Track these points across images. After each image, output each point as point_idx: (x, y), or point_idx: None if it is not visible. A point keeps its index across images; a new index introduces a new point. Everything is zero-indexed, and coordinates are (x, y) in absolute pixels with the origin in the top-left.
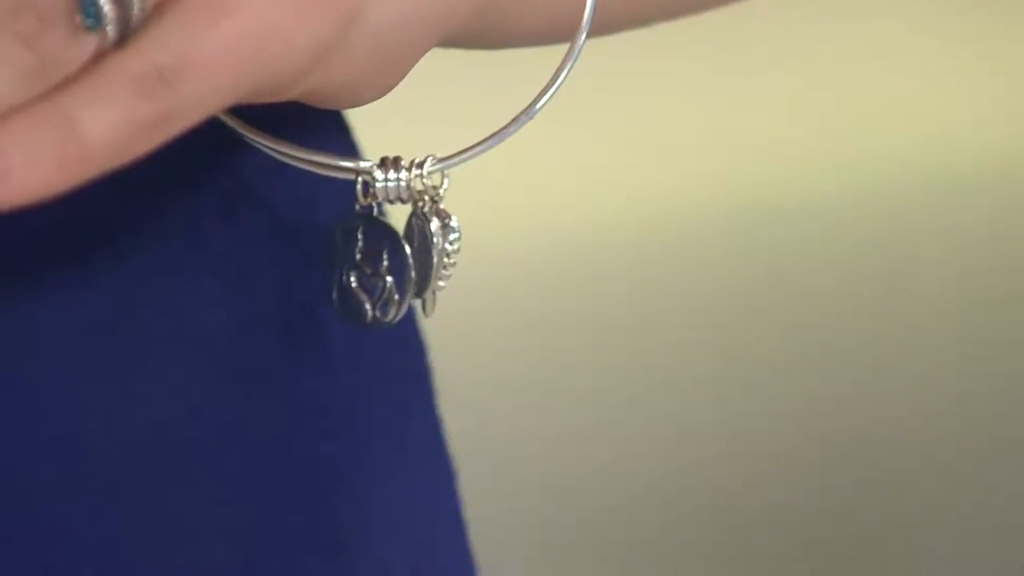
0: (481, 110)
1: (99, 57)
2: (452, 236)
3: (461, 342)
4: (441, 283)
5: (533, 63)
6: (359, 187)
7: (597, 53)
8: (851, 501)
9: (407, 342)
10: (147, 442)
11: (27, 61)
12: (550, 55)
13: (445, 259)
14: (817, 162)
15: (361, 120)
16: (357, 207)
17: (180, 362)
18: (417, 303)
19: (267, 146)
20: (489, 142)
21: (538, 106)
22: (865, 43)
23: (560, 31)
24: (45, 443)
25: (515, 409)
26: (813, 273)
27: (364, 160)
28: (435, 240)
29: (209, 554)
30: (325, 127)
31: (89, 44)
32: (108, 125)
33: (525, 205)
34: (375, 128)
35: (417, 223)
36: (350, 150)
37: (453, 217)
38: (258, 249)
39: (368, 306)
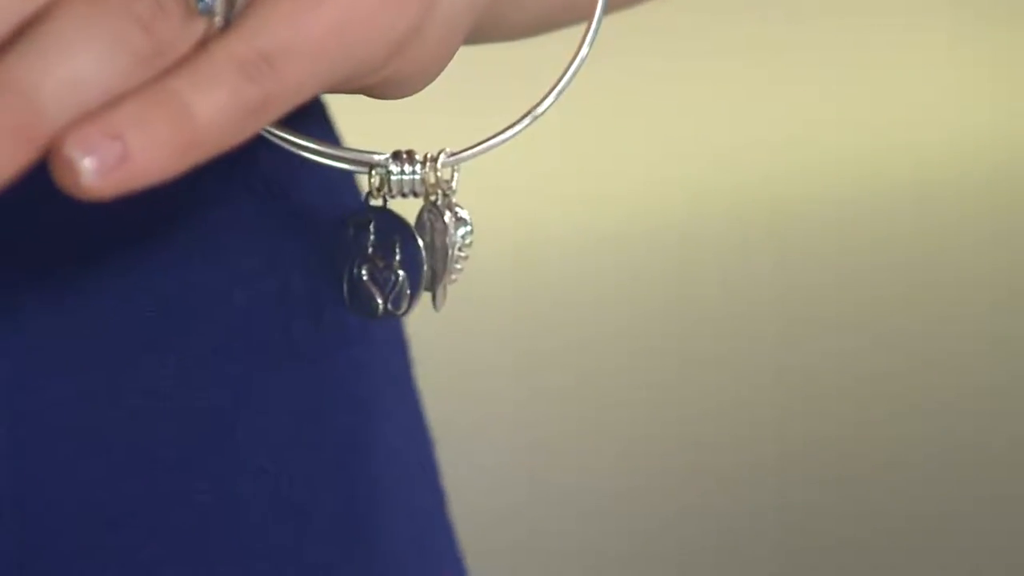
0: (473, 107)
1: (205, 42)
2: (464, 229)
3: (457, 340)
4: (453, 276)
5: (525, 59)
6: (372, 181)
7: (598, 52)
8: (851, 502)
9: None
10: (189, 419)
11: (144, 45)
12: (544, 54)
13: (457, 252)
14: (819, 161)
15: (344, 112)
16: (369, 201)
17: (214, 338)
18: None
19: (278, 135)
20: (501, 136)
21: (549, 101)
22: (866, 42)
23: (567, 14)
24: (100, 422)
25: (512, 407)
26: (813, 273)
27: (378, 153)
28: (448, 233)
29: (248, 525)
30: (313, 120)
31: (198, 28)
32: (217, 109)
33: (524, 204)
34: (357, 121)
35: (430, 216)
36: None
37: (465, 210)
38: (282, 228)
39: (379, 299)
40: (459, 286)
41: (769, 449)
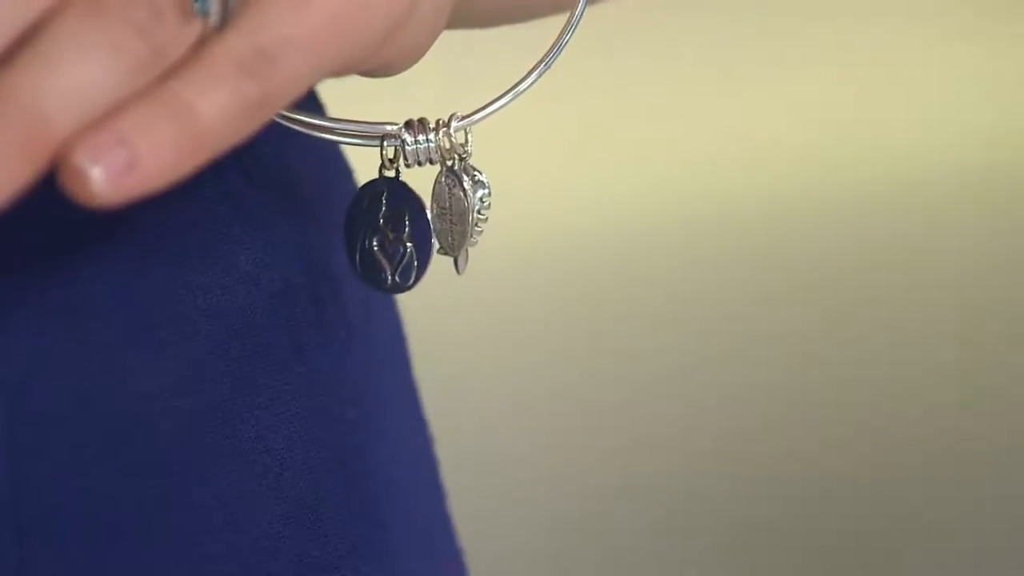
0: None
1: (202, 42)
2: (482, 191)
3: (456, 336)
4: (474, 239)
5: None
6: (385, 152)
7: (600, 54)
8: (853, 503)
9: (394, 311)
10: (189, 420)
11: (143, 50)
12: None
13: (477, 215)
14: (821, 162)
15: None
16: (382, 172)
17: (216, 338)
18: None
19: (289, 117)
20: (509, 96)
21: (553, 57)
22: (867, 43)
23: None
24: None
25: (512, 404)
26: (815, 273)
27: (390, 124)
28: (468, 196)
29: (255, 522)
30: (305, 103)
31: (195, 29)
32: (220, 107)
33: (528, 203)
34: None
35: (448, 182)
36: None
37: (483, 173)
38: (281, 217)
39: (388, 271)
40: (461, 281)
41: (780, 446)
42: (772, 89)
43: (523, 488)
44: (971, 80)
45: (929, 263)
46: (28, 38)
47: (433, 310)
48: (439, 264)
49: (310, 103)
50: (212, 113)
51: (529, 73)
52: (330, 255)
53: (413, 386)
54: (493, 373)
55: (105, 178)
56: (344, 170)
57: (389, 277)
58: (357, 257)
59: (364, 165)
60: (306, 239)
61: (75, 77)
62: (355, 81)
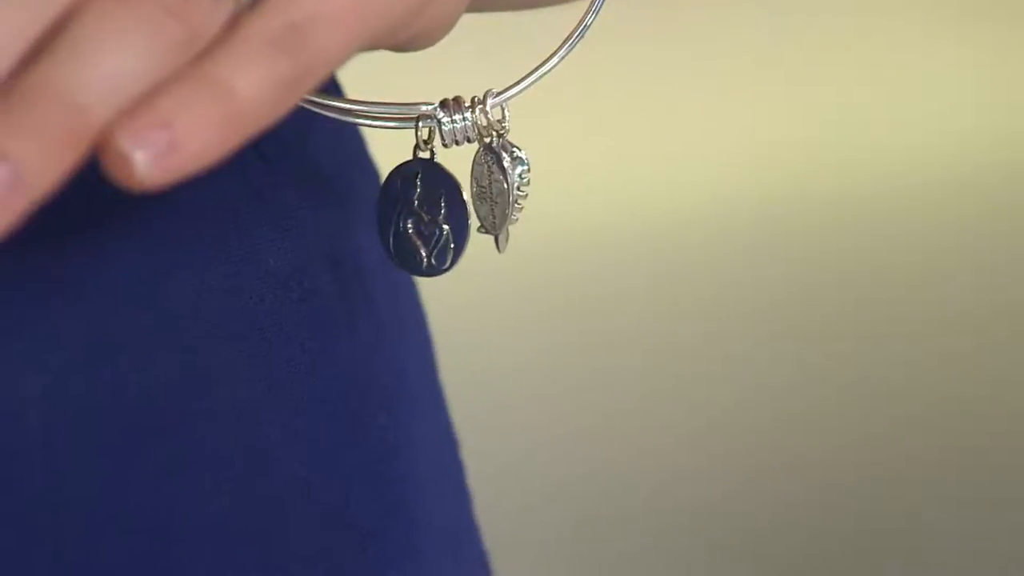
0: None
1: (235, 21)
2: (521, 168)
3: (479, 339)
4: (515, 217)
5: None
6: (420, 133)
7: (601, 54)
8: (855, 504)
9: (420, 313)
10: (218, 422)
11: (177, 32)
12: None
13: (517, 192)
14: (823, 163)
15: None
16: (417, 153)
17: (245, 341)
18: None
19: (319, 103)
20: (544, 68)
21: (586, 25)
22: (867, 44)
23: None
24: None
25: (534, 406)
26: (818, 274)
27: (425, 104)
28: (507, 173)
29: (284, 527)
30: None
31: (227, 8)
32: (257, 85)
33: (540, 204)
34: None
35: (487, 159)
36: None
37: (522, 150)
38: (310, 220)
39: (424, 253)
40: (478, 286)
41: (787, 449)
42: (779, 90)
43: (535, 490)
44: (976, 81)
45: (935, 265)
46: (59, 28)
47: (453, 310)
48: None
49: (334, 92)
50: (250, 91)
51: (557, 49)
52: (359, 254)
53: (440, 389)
54: (512, 374)
55: (149, 160)
56: (371, 168)
57: (425, 259)
58: (391, 240)
59: (386, 148)
60: (335, 239)
61: (110, 64)
62: (363, 66)
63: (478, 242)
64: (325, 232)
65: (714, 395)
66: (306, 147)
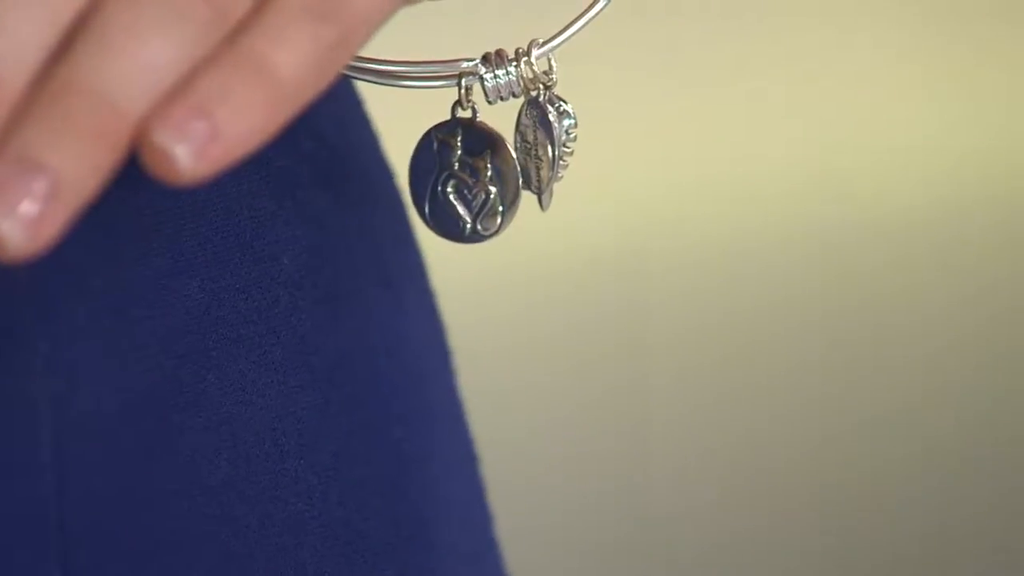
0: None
1: None
2: (568, 122)
3: (477, 346)
4: (560, 174)
5: None
6: (461, 91)
7: (603, 56)
8: (857, 504)
9: (439, 322)
10: (231, 435)
11: (206, 12)
12: None
13: (563, 148)
14: (824, 164)
15: None
16: (456, 112)
17: (259, 351)
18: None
19: (358, 67)
20: (592, 11)
21: None
22: (867, 46)
23: None
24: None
25: (521, 411)
26: (822, 277)
27: (466, 60)
28: (553, 128)
29: (299, 542)
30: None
31: None
32: (300, 56)
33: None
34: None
35: (533, 113)
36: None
37: (568, 103)
38: (329, 221)
39: (468, 218)
40: (492, 297)
41: (789, 446)
42: (780, 93)
43: (558, 492)
44: (976, 82)
45: (935, 265)
46: (82, 23)
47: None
48: (460, 259)
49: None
50: (292, 63)
51: None
52: (380, 255)
53: (459, 402)
54: (528, 380)
55: (191, 154)
56: (387, 168)
57: (469, 225)
58: (427, 207)
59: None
60: (351, 240)
61: (138, 56)
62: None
63: (476, 252)
64: (341, 233)
65: (714, 395)
66: (323, 146)
